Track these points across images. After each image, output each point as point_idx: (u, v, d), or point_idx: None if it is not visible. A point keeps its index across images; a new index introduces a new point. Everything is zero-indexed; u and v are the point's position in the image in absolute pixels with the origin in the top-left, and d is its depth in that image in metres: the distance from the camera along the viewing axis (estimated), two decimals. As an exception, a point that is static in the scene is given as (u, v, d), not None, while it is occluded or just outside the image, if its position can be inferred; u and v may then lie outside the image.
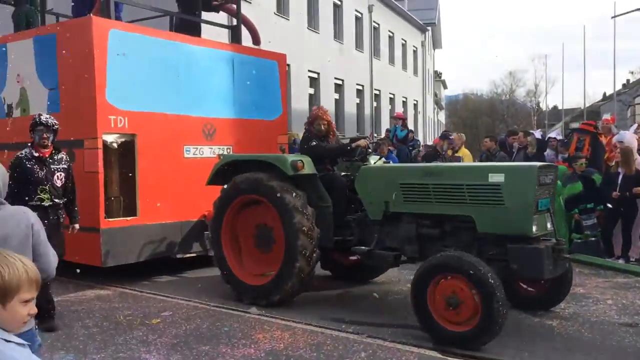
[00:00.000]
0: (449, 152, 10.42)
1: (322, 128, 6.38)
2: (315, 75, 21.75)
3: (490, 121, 56.45)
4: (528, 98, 60.60)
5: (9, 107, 7.66)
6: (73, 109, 6.90)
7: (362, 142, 6.30)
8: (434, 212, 5.47)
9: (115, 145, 7.04)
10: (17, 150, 6.28)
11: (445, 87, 56.98)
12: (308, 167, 5.99)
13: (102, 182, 6.79)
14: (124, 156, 7.17)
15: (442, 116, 53.36)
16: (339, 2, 24.24)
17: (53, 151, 5.58)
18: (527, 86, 65.63)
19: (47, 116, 5.64)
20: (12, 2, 8.69)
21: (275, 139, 8.58)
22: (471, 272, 4.65)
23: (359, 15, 26.56)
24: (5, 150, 7.60)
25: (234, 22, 9.07)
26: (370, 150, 6.48)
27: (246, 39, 9.04)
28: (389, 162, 7.30)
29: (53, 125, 5.56)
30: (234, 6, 8.72)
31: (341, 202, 6.14)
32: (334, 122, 6.66)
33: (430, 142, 25.05)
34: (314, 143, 6.26)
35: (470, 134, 40.59)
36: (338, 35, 24.20)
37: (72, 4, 7.97)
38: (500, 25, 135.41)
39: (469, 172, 5.47)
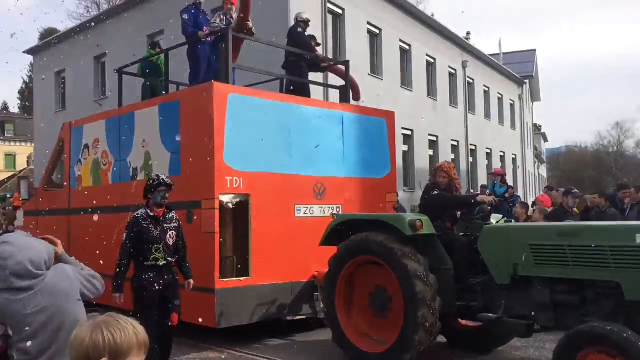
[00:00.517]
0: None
1: (444, 180, 6.09)
2: (409, 133, 21.58)
3: (596, 174, 53.11)
4: (638, 149, 56.64)
5: (134, 170, 8.06)
6: (192, 171, 7.11)
7: (488, 198, 5.92)
8: (571, 277, 4.94)
9: (230, 205, 7.13)
10: (131, 212, 6.51)
11: (545, 140, 54.71)
12: (427, 227, 5.69)
13: (217, 243, 6.85)
14: (237, 216, 7.24)
15: (543, 170, 50.99)
16: (432, 60, 24.22)
17: (165, 210, 5.68)
18: (637, 137, 61.54)
19: (165, 176, 5.78)
20: (142, 75, 9.34)
21: (384, 197, 8.37)
22: (626, 346, 4.07)
23: (453, 71, 26.35)
24: (130, 212, 7.95)
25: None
26: (493, 207, 6.09)
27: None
28: (510, 222, 6.82)
29: (172, 185, 5.67)
30: (342, 67, 8.83)
31: (463, 264, 5.74)
32: (458, 179, 6.35)
33: (532, 198, 23.73)
34: (436, 192, 5.97)
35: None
36: (431, 92, 24.05)
37: (189, 71, 8.39)
38: (602, 75, 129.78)
39: (613, 233, 4.91)
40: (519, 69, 34.28)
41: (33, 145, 35.12)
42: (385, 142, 8.56)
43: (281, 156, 7.44)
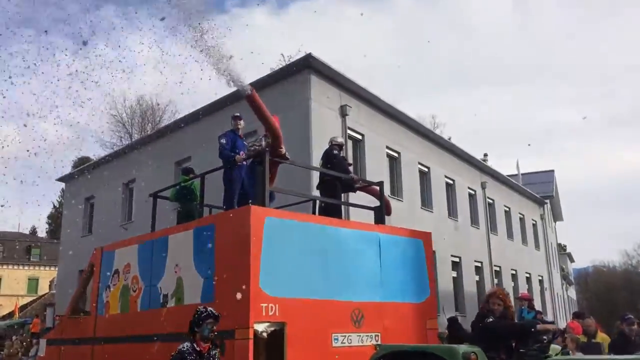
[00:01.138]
0: (582, 338, 8.82)
1: (498, 308, 5.62)
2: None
3: (628, 295, 50.73)
4: (668, 270, 54.65)
5: (164, 297, 7.72)
6: (226, 298, 6.75)
7: (550, 327, 5.42)
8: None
9: (264, 335, 6.66)
10: (171, 341, 6.11)
11: (572, 260, 53.24)
12: (482, 359, 5.16)
13: (251, 375, 6.31)
14: (271, 346, 6.74)
15: (572, 292, 49.03)
16: (451, 181, 24.35)
17: (210, 346, 5.34)
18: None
19: (211, 308, 5.49)
20: (175, 200, 9.33)
21: (425, 323, 7.83)
22: None
23: (472, 192, 26.38)
24: (158, 341, 7.50)
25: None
26: (555, 337, 5.55)
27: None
28: (568, 354, 6.21)
29: (219, 317, 5.36)
30: (376, 187, 8.73)
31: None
32: (513, 307, 5.89)
33: (563, 323, 22.44)
34: (491, 319, 5.47)
35: (605, 310, 36.40)
36: (452, 212, 23.89)
37: (223, 195, 8.32)
38: (623, 193, 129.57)
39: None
40: (539, 189, 34.30)
41: (57, 269, 35.09)
42: (423, 265, 8.19)
43: (317, 281, 7.09)
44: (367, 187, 9.10)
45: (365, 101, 18.00)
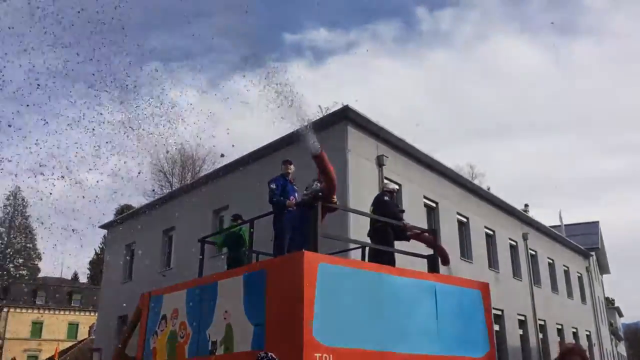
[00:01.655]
0: None
1: None
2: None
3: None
4: None
5: (213, 344, 7.44)
6: (278, 346, 6.43)
7: None
8: None
9: (319, 386, 6.28)
10: None
11: (620, 314, 50.53)
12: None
13: None
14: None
15: (621, 348, 46.25)
16: (491, 232, 23.64)
17: None
18: None
19: (272, 353, 5.23)
20: (222, 246, 9.19)
21: (484, 379, 7.31)
22: None
23: (514, 243, 25.53)
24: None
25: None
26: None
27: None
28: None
29: None
30: (428, 235, 8.39)
31: None
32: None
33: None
34: None
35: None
36: (493, 263, 23.06)
37: (272, 241, 8.11)
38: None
39: None
40: (583, 241, 32.99)
41: (97, 314, 35.14)
42: (482, 317, 7.72)
43: (372, 330, 6.72)
44: (420, 236, 8.75)
45: (402, 151, 17.88)
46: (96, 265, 59.53)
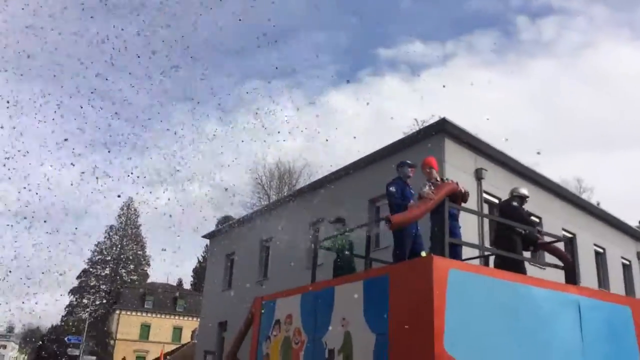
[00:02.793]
0: None
1: None
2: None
3: None
4: None
5: (330, 352, 6.93)
6: (404, 358, 5.79)
7: None
8: None
9: (450, 405, 5.54)
10: None
11: None
12: None
13: None
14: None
15: None
16: (600, 250, 21.50)
17: None
18: None
19: None
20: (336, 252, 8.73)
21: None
22: None
23: (627, 262, 23.09)
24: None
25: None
26: None
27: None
28: None
29: None
30: (558, 246, 7.41)
31: None
32: None
33: None
34: None
35: None
36: (603, 283, 20.88)
37: (393, 249, 7.49)
38: None
39: None
40: None
41: (199, 320, 36.06)
42: (632, 337, 6.60)
43: (508, 346, 5.89)
44: (548, 245, 7.77)
45: (502, 164, 16.77)
46: (199, 273, 61.79)
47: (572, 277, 7.06)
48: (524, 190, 7.72)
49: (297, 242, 20.71)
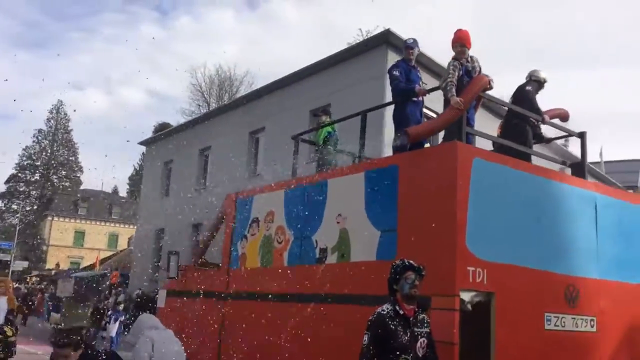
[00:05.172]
0: None
1: None
2: None
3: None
4: None
5: (322, 251, 6.05)
6: (415, 256, 4.97)
7: None
8: None
9: (469, 306, 4.87)
10: (330, 303, 5.42)
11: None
12: None
13: (457, 357, 4.56)
14: (475, 322, 4.94)
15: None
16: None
17: (416, 310, 4.01)
18: None
19: (411, 260, 4.12)
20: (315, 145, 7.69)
21: (639, 309, 5.87)
22: None
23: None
24: (312, 303, 5.88)
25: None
26: None
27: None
28: None
29: (422, 270, 4.05)
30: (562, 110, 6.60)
31: None
32: None
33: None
34: None
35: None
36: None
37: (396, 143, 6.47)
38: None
39: None
40: (622, 179, 31.01)
41: (135, 227, 34.93)
42: (640, 237, 6.17)
43: (530, 245, 5.24)
44: (551, 112, 6.79)
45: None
46: (135, 181, 59.36)
47: (581, 172, 6.42)
48: (543, 74, 6.71)
49: (237, 152, 19.91)
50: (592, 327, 5.44)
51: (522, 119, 6.34)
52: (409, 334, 3.86)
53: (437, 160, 5.15)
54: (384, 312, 3.92)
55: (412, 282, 3.97)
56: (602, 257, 5.69)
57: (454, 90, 5.58)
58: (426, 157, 5.44)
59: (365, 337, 3.82)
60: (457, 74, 5.74)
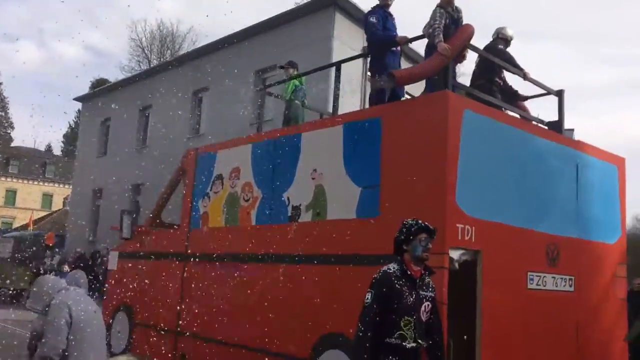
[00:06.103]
0: None
1: None
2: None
3: None
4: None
5: (295, 208, 5.60)
6: (402, 213, 4.62)
7: None
8: None
9: (456, 265, 4.62)
10: (304, 264, 5.16)
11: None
12: None
13: (446, 319, 4.31)
14: (462, 281, 4.71)
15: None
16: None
17: (423, 272, 3.64)
18: None
19: (425, 222, 3.67)
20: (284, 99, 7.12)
21: (613, 269, 5.87)
22: None
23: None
24: (283, 264, 5.47)
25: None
26: None
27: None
28: None
29: (434, 232, 3.65)
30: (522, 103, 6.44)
31: None
32: None
33: None
34: None
35: None
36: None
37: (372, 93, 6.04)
38: None
39: None
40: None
41: (71, 187, 33.22)
42: (616, 197, 6.12)
43: (514, 202, 5.04)
44: (520, 103, 6.69)
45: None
46: (71, 139, 55.98)
47: (558, 132, 6.24)
48: (510, 32, 6.43)
49: (177, 112, 19.02)
50: (570, 286, 5.37)
51: (488, 80, 6.05)
52: (414, 295, 3.54)
53: (426, 111, 4.77)
54: (390, 271, 3.56)
55: (425, 244, 3.58)
56: (581, 216, 5.60)
57: (441, 36, 5.16)
58: (413, 108, 5.06)
59: (368, 295, 3.46)
60: (443, 21, 5.32)
